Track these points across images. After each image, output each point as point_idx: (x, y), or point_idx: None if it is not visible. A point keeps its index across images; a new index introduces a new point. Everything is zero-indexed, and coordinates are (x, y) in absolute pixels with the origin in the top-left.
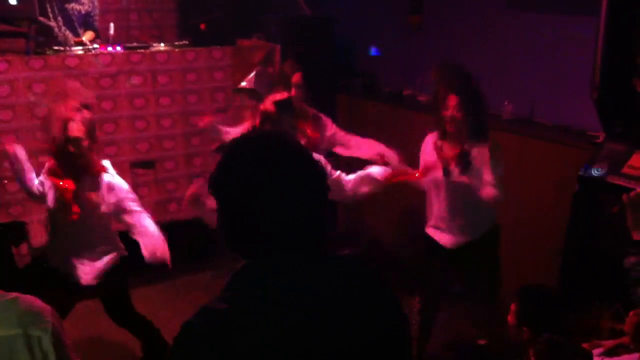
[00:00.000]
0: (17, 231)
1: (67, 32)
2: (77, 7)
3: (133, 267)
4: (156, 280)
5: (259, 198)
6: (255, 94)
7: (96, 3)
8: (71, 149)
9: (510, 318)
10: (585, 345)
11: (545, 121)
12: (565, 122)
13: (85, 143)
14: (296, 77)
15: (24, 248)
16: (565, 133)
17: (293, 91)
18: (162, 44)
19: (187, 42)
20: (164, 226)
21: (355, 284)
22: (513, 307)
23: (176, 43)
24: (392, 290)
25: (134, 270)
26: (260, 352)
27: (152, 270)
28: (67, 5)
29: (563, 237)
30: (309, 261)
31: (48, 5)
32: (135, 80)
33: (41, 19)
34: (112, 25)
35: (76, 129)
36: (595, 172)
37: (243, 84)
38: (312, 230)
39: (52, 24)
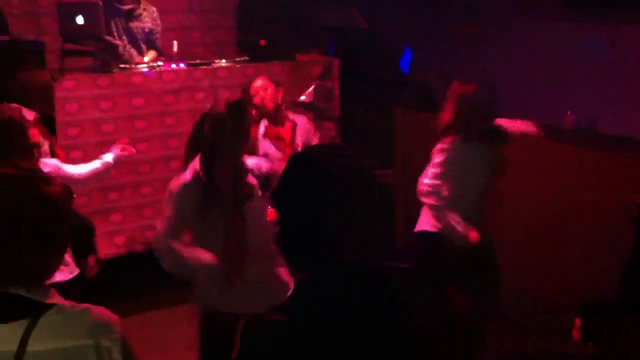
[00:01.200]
0: (85, 243)
1: (132, 51)
2: (141, 25)
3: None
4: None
5: (311, 211)
6: (314, 108)
7: (159, 21)
8: None
9: (575, 333)
10: None
11: (607, 132)
12: (629, 132)
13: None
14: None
15: (92, 260)
16: (628, 144)
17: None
18: (223, 60)
19: (247, 58)
20: None
21: (355, 284)
22: (578, 322)
23: (237, 59)
24: (394, 291)
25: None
26: (260, 353)
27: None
28: (131, 24)
29: (627, 251)
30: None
31: (113, 25)
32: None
33: (107, 38)
34: (175, 42)
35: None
36: None
37: (302, 97)
38: (317, 236)
39: (118, 42)
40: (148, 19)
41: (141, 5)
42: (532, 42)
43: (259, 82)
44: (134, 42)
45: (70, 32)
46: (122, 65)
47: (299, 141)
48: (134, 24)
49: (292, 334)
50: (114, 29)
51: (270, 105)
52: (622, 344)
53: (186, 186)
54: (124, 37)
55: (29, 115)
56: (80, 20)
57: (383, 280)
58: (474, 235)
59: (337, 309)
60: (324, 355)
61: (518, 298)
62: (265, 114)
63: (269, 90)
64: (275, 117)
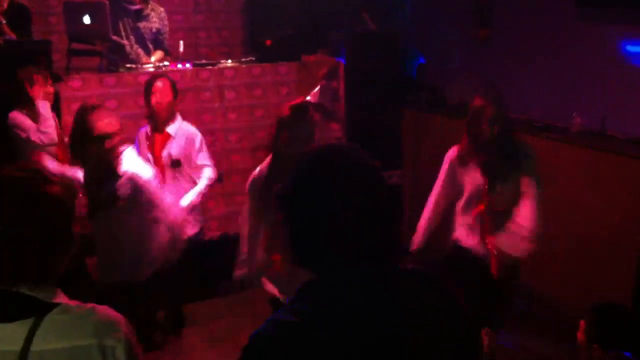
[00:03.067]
0: (92, 243)
1: (139, 50)
2: (148, 25)
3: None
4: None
5: (322, 210)
6: (320, 108)
7: (166, 22)
8: None
9: (580, 335)
10: None
11: (616, 134)
12: (638, 134)
13: None
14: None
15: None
16: (638, 146)
17: None
18: (229, 61)
19: (253, 59)
20: (230, 239)
21: (362, 285)
22: (582, 323)
23: (243, 59)
24: (401, 292)
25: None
26: (263, 355)
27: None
28: (139, 24)
29: (636, 253)
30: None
31: (120, 24)
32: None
33: (114, 37)
34: (181, 42)
35: None
36: None
37: (308, 98)
38: (324, 236)
39: (125, 42)
40: (156, 19)
41: (149, 6)
42: (540, 45)
43: (159, 83)
44: (141, 42)
45: (77, 32)
46: (128, 65)
47: (166, 154)
48: (142, 24)
49: (299, 334)
50: (122, 29)
51: (164, 113)
52: (632, 347)
53: (253, 179)
54: (132, 37)
55: None
56: (87, 19)
57: (390, 281)
58: None
59: (344, 310)
60: (331, 356)
61: (528, 297)
62: (157, 118)
63: (168, 98)
64: (163, 125)
